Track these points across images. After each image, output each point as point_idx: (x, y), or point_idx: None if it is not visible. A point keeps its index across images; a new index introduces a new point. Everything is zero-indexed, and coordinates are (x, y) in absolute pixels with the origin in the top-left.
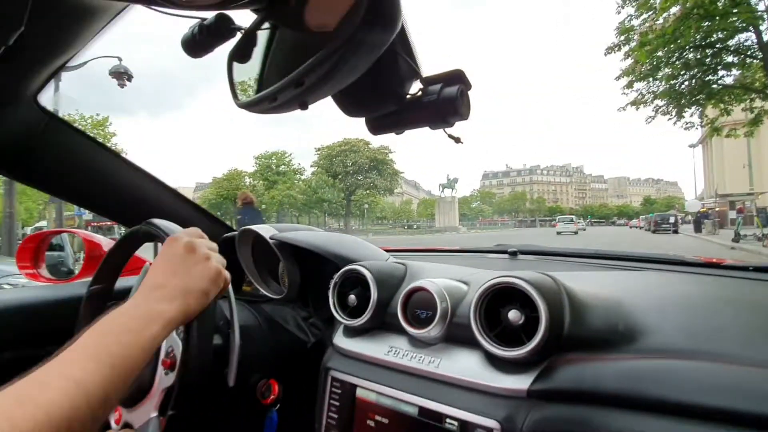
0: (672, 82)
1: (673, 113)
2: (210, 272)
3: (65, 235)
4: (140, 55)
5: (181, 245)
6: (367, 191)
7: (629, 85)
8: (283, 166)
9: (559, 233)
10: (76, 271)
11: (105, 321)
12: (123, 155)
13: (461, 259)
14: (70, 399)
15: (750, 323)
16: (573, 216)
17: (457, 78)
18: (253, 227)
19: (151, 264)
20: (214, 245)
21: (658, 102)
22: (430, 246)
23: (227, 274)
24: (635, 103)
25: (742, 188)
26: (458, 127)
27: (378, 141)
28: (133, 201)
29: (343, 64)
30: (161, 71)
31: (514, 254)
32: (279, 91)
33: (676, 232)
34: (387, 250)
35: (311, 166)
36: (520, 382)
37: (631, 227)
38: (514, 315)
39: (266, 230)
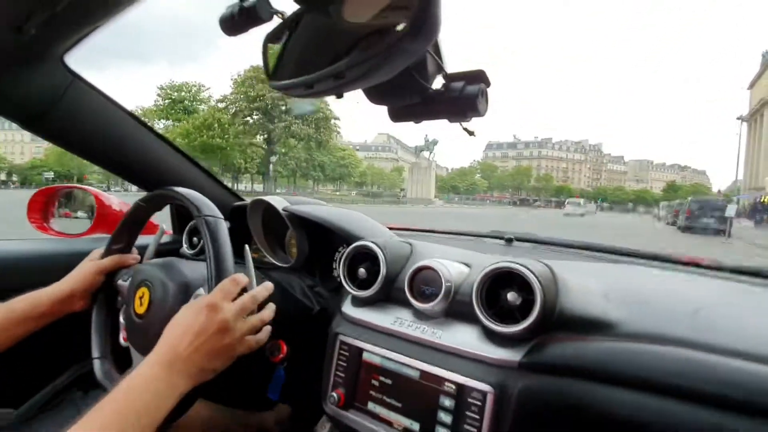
0: None
1: None
2: (228, 356)
3: (77, 192)
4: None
5: (216, 322)
6: (303, 143)
7: None
8: (197, 103)
9: (566, 214)
10: (86, 228)
11: (126, 394)
12: (144, 120)
13: (460, 241)
14: None
15: (724, 319)
16: (581, 199)
17: (479, 77)
18: (266, 198)
19: (167, 233)
20: (253, 305)
21: None
22: (429, 227)
23: (252, 345)
24: None
25: None
26: None
27: None
28: (150, 165)
29: (384, 65)
30: (182, 20)
31: (510, 241)
32: (317, 81)
33: (725, 233)
34: (390, 228)
35: (218, 101)
36: (513, 355)
37: (657, 218)
38: (512, 296)
39: (278, 201)
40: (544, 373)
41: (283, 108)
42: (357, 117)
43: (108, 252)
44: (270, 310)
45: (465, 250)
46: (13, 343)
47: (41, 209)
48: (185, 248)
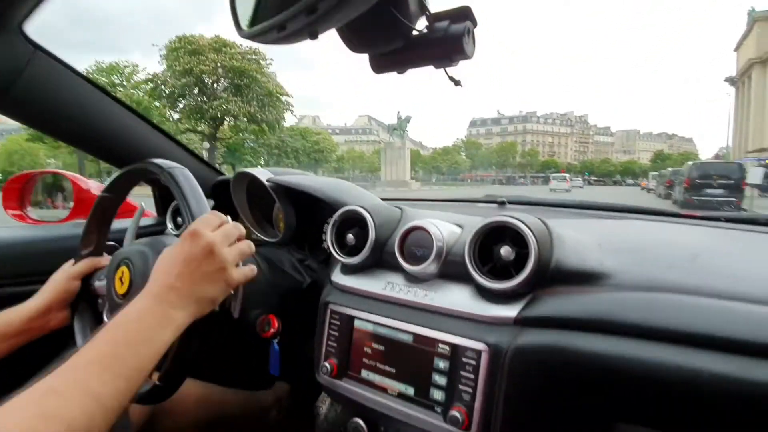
0: None
1: None
2: (226, 282)
3: (53, 177)
4: None
5: (201, 246)
6: (246, 124)
7: None
8: (131, 87)
9: (552, 190)
10: (65, 214)
11: (120, 326)
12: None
13: (453, 207)
14: (90, 415)
15: (722, 264)
16: (567, 174)
17: (464, 15)
18: (249, 170)
19: (147, 215)
20: (237, 232)
21: None
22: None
23: (247, 272)
24: None
25: None
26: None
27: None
28: (123, 141)
29: None
30: (157, 8)
31: (502, 203)
32: (289, 19)
33: (737, 206)
34: (381, 199)
35: (145, 82)
36: (508, 311)
37: (647, 189)
38: (505, 251)
39: (262, 173)
40: (541, 328)
41: (220, 84)
42: (334, 100)
43: (79, 257)
44: (250, 243)
45: (458, 214)
46: None
47: (17, 197)
48: (170, 229)
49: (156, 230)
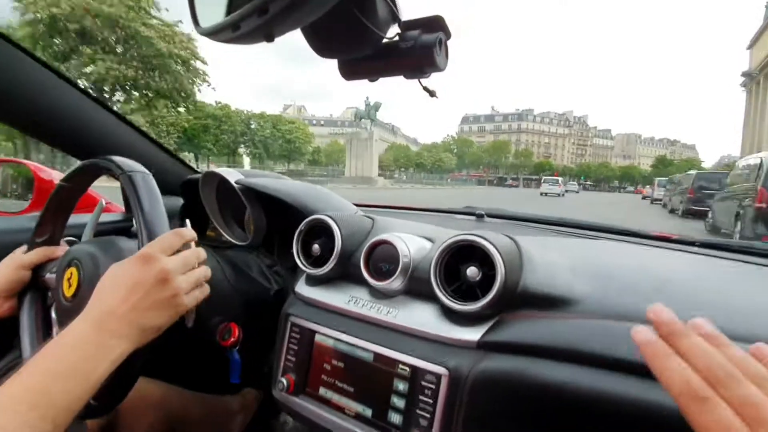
0: None
1: None
2: (175, 311)
3: (12, 165)
4: None
5: (153, 272)
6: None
7: None
8: None
9: (543, 194)
10: (25, 204)
11: (53, 355)
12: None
13: (430, 217)
14: None
15: (690, 293)
16: (559, 178)
17: (437, 24)
18: (218, 170)
19: (110, 210)
20: (195, 259)
21: None
22: (400, 204)
23: (199, 296)
24: None
25: None
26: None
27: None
28: (84, 131)
29: None
30: None
31: (480, 216)
32: (242, 19)
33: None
34: (357, 205)
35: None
36: (471, 334)
37: (650, 199)
38: (471, 272)
39: (232, 174)
40: (504, 353)
41: (87, 38)
42: (321, 91)
43: (32, 245)
44: (207, 269)
45: (432, 225)
46: None
47: None
48: (136, 228)
49: (120, 227)
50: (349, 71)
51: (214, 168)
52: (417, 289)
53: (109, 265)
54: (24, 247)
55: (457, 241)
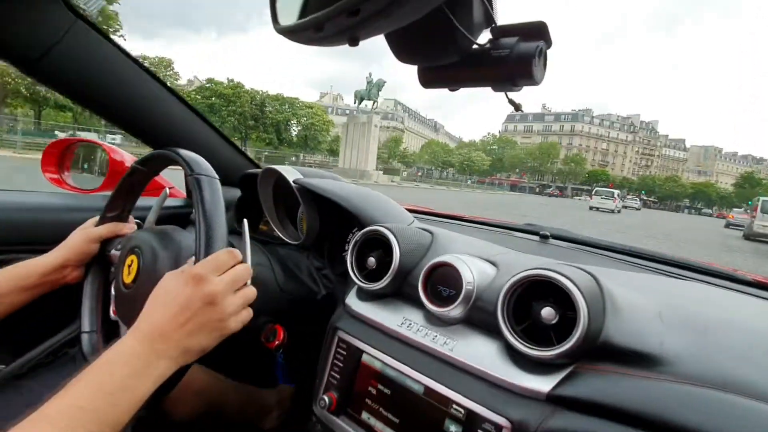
0: None
1: None
2: (219, 333)
3: (90, 146)
4: None
5: (203, 294)
6: None
7: None
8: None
9: (592, 208)
10: (98, 184)
11: (104, 369)
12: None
13: (488, 233)
14: None
15: None
16: (616, 190)
17: (538, 32)
18: (278, 167)
19: (174, 195)
20: (246, 277)
21: None
22: (457, 213)
23: (245, 319)
24: None
25: None
26: None
27: None
28: (158, 121)
29: None
30: None
31: (545, 238)
32: (327, 19)
33: None
34: (410, 210)
35: None
36: (541, 384)
37: (738, 229)
38: (547, 313)
39: (290, 172)
40: (578, 411)
41: None
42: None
43: (103, 220)
44: (252, 289)
45: (493, 244)
46: (2, 316)
47: (56, 162)
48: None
49: (182, 212)
50: (430, 78)
51: (274, 166)
52: (478, 319)
53: (167, 263)
54: (95, 219)
55: (532, 275)
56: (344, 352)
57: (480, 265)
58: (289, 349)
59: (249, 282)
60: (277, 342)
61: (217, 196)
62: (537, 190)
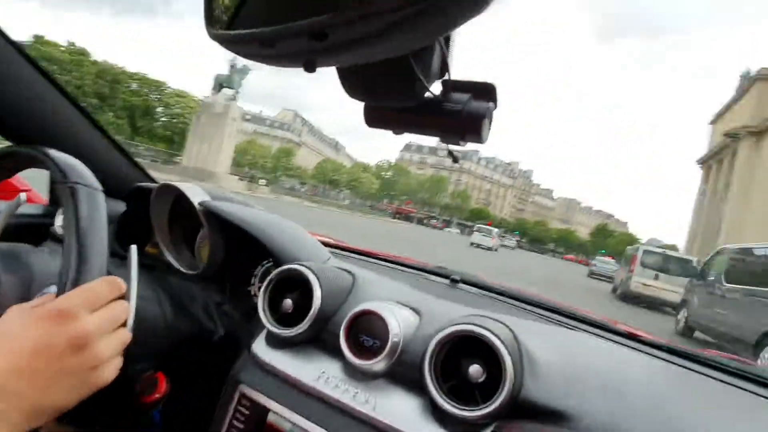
0: None
1: None
2: (87, 387)
3: None
4: None
5: (67, 336)
6: None
7: None
8: None
9: (473, 244)
10: None
11: None
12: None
13: (400, 273)
14: None
15: (684, 416)
16: (494, 228)
17: (488, 93)
18: (180, 185)
19: (32, 201)
20: (125, 315)
21: None
22: (369, 249)
23: (119, 365)
24: None
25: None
26: None
27: None
28: (29, 114)
29: (398, 32)
30: None
31: (455, 282)
32: (282, 37)
33: None
34: (325, 244)
35: None
36: None
37: (593, 273)
38: (475, 371)
39: (195, 193)
40: None
41: None
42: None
43: None
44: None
45: (411, 288)
46: None
47: None
48: (57, 227)
49: (39, 222)
50: (376, 118)
51: (174, 182)
52: (401, 374)
53: (15, 291)
54: None
55: (459, 330)
56: (246, 411)
57: (404, 314)
58: (171, 404)
59: (129, 321)
60: (157, 395)
61: (99, 213)
62: (424, 221)
